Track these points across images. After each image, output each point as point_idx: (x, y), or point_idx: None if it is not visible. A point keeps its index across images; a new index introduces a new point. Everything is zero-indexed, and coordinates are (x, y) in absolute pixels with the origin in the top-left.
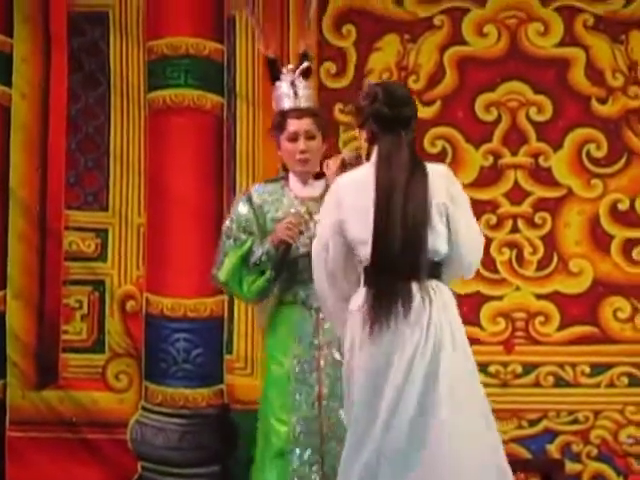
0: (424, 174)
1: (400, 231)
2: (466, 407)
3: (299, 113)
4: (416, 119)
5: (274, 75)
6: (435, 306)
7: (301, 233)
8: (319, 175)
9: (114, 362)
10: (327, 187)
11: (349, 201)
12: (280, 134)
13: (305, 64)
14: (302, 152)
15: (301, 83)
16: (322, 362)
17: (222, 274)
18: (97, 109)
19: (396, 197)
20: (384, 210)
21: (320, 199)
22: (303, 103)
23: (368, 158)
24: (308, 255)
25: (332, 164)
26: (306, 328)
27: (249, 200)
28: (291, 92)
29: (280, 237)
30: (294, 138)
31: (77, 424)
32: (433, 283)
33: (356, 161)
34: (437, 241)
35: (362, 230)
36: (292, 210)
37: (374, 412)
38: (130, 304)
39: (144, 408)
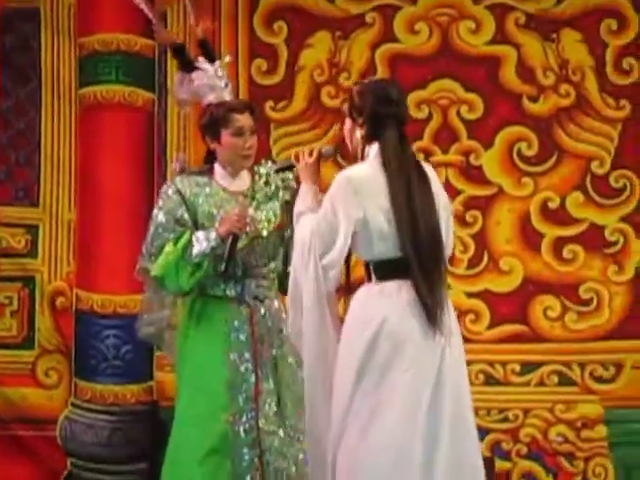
0: (426, 174)
1: (424, 229)
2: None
3: (243, 107)
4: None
5: (185, 62)
6: (449, 305)
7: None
8: (288, 167)
9: (44, 358)
10: (281, 179)
11: (371, 198)
12: (223, 128)
13: (227, 58)
14: (249, 148)
15: (223, 74)
16: (258, 358)
17: (158, 267)
18: (28, 105)
19: (415, 197)
20: (407, 210)
21: (247, 193)
22: (230, 96)
23: (363, 156)
24: (242, 250)
25: (308, 156)
26: (241, 323)
27: (178, 192)
28: (221, 83)
29: (229, 229)
30: (240, 133)
31: (6, 420)
32: None
33: (332, 155)
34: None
35: (385, 227)
36: (225, 204)
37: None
38: (60, 300)
39: (74, 405)
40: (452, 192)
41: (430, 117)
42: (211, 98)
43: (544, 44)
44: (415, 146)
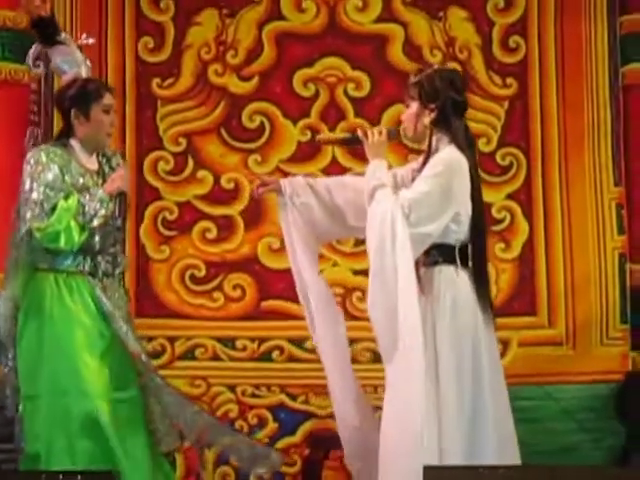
0: None
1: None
2: None
3: (110, 87)
4: None
5: (47, 36)
6: None
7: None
8: (351, 140)
9: None
10: (117, 164)
11: (467, 183)
12: (95, 104)
13: (85, 36)
14: (112, 126)
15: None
16: (120, 330)
17: (55, 223)
18: None
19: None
20: (480, 199)
21: (97, 174)
22: (89, 74)
23: (430, 141)
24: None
25: (377, 135)
26: (96, 298)
27: (52, 160)
28: (88, 61)
29: (119, 186)
30: (108, 110)
31: None
32: None
33: (397, 136)
34: None
35: (469, 212)
36: (87, 179)
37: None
38: None
39: None
40: (339, 169)
41: (317, 95)
42: (73, 73)
43: (431, 22)
44: (302, 123)
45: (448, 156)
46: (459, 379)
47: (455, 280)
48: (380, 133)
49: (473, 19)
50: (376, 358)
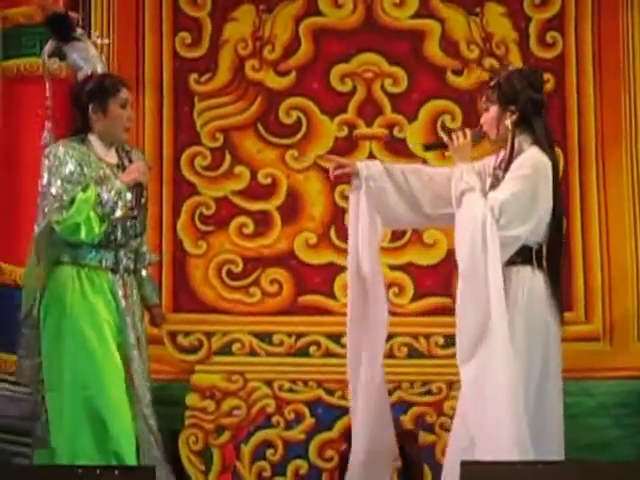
0: None
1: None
2: None
3: (126, 82)
4: None
5: (64, 32)
6: None
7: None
8: (440, 145)
9: None
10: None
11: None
12: (112, 98)
13: (99, 35)
14: (130, 120)
15: (97, 50)
16: (133, 329)
17: (74, 215)
18: None
19: None
20: (561, 202)
21: (117, 167)
22: (105, 70)
23: (513, 143)
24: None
25: (462, 138)
26: (116, 294)
27: (69, 154)
28: (103, 57)
29: (136, 177)
30: (125, 105)
31: None
32: None
33: (481, 139)
34: None
35: (550, 213)
36: (106, 172)
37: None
38: None
39: None
40: None
41: (354, 90)
42: (89, 69)
43: (468, 18)
44: (339, 119)
45: (533, 158)
46: (529, 366)
47: (532, 279)
48: (465, 136)
49: (510, 15)
50: (412, 353)
